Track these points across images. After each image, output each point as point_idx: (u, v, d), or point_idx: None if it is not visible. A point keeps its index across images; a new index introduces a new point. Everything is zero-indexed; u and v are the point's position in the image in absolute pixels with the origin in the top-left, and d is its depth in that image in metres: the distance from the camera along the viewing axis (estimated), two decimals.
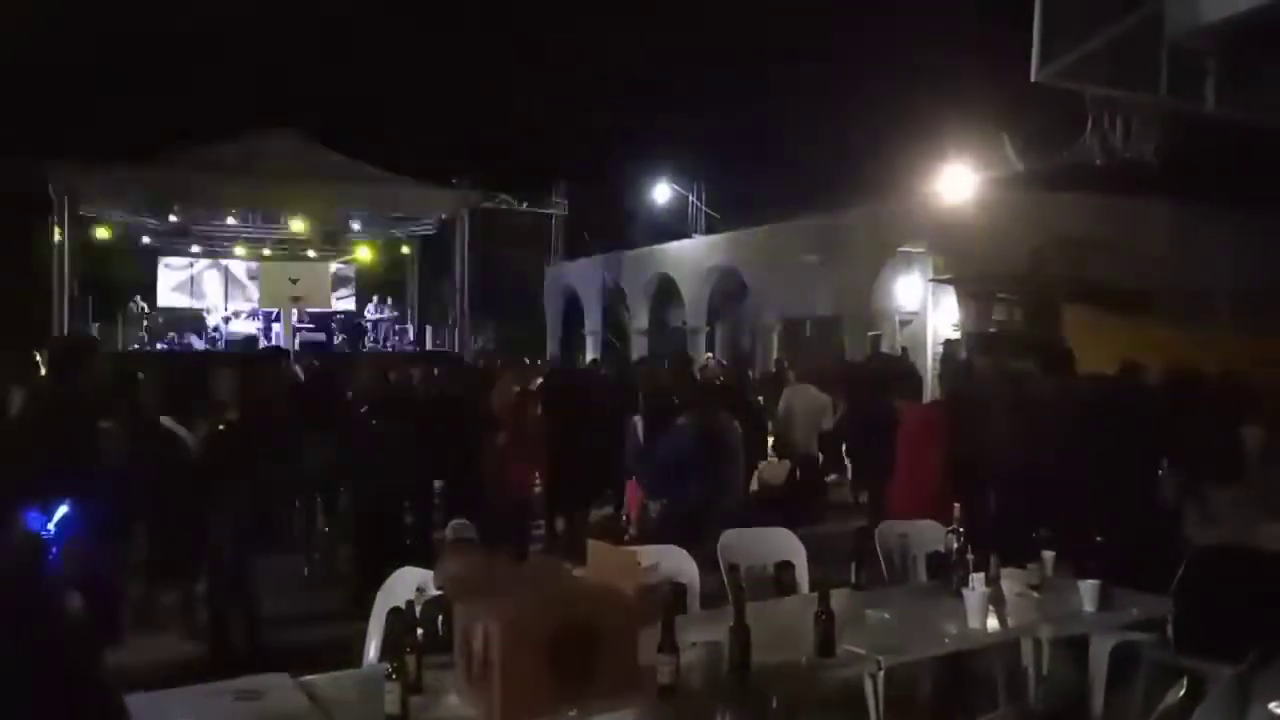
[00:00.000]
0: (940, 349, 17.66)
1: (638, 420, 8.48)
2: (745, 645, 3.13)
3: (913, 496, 5.36)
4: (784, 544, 4.83)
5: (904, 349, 17.52)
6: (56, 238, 18.29)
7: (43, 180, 17.95)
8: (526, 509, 7.85)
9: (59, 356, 5.00)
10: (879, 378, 8.62)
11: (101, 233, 20.31)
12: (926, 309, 19.83)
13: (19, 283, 18.76)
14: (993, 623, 3.78)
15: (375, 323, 22.63)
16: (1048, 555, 4.25)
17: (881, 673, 3.41)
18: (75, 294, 18.37)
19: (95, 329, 19.85)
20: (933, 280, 18.72)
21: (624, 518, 9.22)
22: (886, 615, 3.81)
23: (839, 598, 3.61)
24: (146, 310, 20.93)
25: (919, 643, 3.69)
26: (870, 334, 19.04)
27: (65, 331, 18.21)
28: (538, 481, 8.40)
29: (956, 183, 16.49)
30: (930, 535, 4.69)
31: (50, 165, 17.87)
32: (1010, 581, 4.19)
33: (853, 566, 4.27)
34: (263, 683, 3.10)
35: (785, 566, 4.78)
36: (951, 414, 6.01)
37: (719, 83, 27.09)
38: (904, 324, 20.54)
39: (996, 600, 3.92)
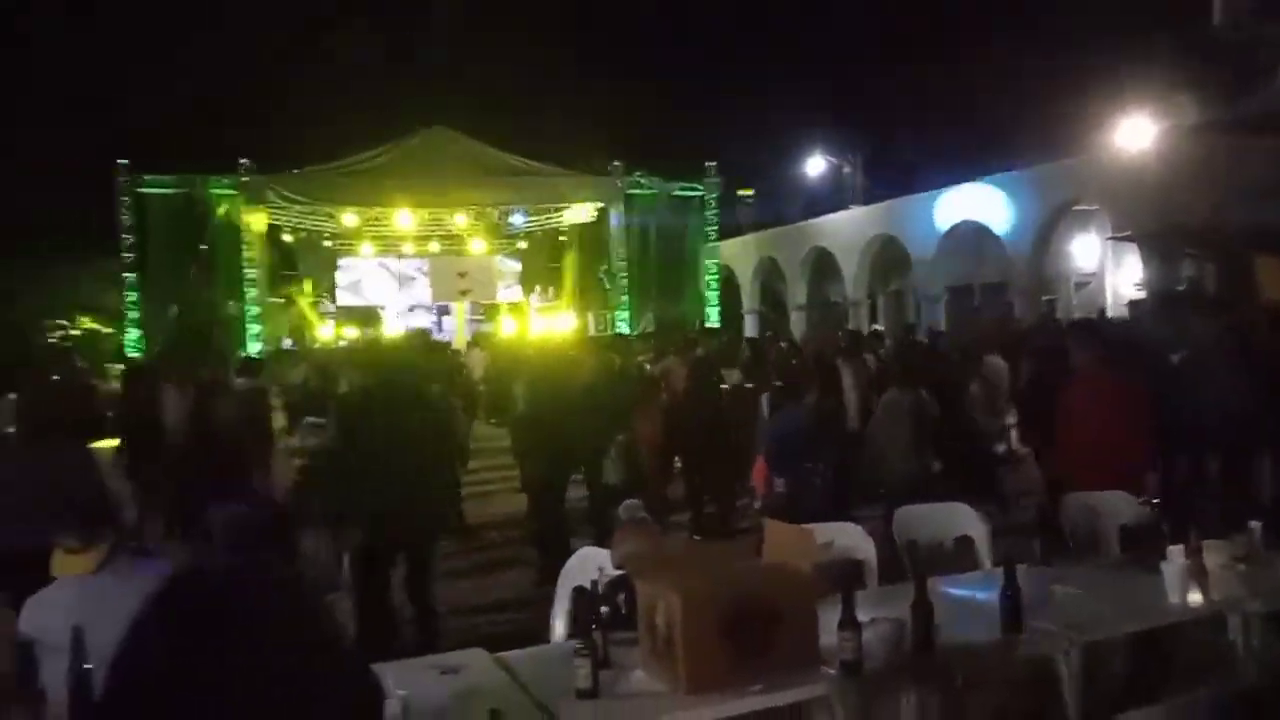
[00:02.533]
0: (1125, 311, 16.67)
1: (764, 399, 8.44)
2: (928, 622, 3.08)
3: (1100, 468, 5.11)
4: (962, 519, 4.71)
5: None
6: (246, 245, 19.67)
7: (232, 191, 19.30)
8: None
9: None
10: (1059, 344, 8.23)
11: (286, 237, 21.71)
12: (1105, 269, 18.77)
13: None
14: (1194, 597, 3.58)
15: (540, 310, 23.28)
16: (1255, 525, 3.98)
17: (1075, 650, 3.29)
18: (269, 296, 19.77)
19: (285, 328, 21.30)
20: (1112, 239, 17.68)
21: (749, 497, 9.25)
22: (1077, 591, 3.67)
23: (1024, 573, 3.50)
24: (331, 309, 22.23)
25: (1113, 619, 3.53)
26: (1044, 298, 18.21)
27: (259, 334, 19.60)
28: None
29: (1134, 135, 15.53)
30: (1122, 507, 4.47)
31: (236, 180, 19.21)
32: (1213, 554, 3.94)
33: (1036, 541, 4.12)
34: (461, 659, 3.28)
35: (964, 541, 4.66)
36: (1144, 380, 5.69)
37: (873, 47, 26.37)
38: (1080, 286, 19.53)
39: (1198, 573, 3.71)
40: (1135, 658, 4.24)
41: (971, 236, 19.91)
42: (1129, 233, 16.28)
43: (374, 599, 5.29)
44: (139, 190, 19.32)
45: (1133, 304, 16.43)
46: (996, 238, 18.93)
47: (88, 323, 22.51)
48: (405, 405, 5.46)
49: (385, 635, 5.23)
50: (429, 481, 5.56)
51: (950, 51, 22.95)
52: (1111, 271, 18.72)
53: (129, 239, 19.51)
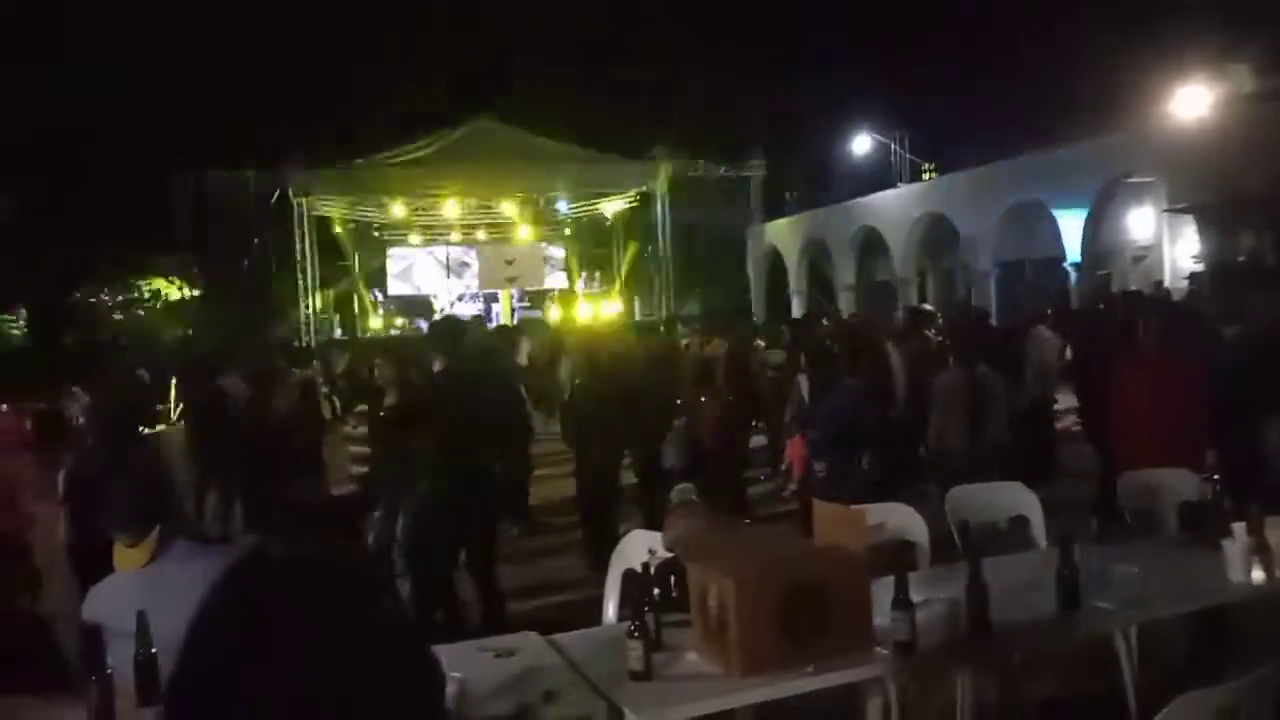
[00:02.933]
0: (1185, 284, 16.28)
1: (802, 379, 8.24)
2: (983, 601, 3.06)
3: (1158, 445, 5.01)
4: (1016, 498, 4.66)
5: (1158, 283, 16.19)
6: (298, 236, 20.01)
7: (283, 184, 19.63)
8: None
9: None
10: (1114, 318, 8.06)
11: (337, 228, 22.03)
12: (1162, 242, 18.34)
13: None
14: (1258, 575, 3.50)
15: (586, 295, 23.37)
16: None
17: (1134, 628, 3.25)
18: (317, 286, 20.08)
19: (337, 319, 21.64)
20: (1168, 210, 17.25)
21: (784, 478, 9.20)
22: (1135, 569, 3.61)
23: (1081, 551, 3.45)
24: (381, 299, 22.52)
25: (1173, 597, 3.47)
26: (1099, 273, 17.85)
27: (312, 324, 19.94)
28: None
29: (1191, 104, 15.12)
30: (1181, 484, 4.39)
31: (288, 170, 19.50)
32: (1276, 531, 3.86)
33: (1093, 519, 4.06)
34: (515, 641, 3.32)
35: (1019, 521, 4.61)
36: (1203, 354, 5.56)
37: (918, 19, 25.97)
38: (1137, 260, 19.11)
39: (1260, 550, 3.63)
40: (1196, 637, 4.17)
41: (1023, 211, 19.57)
42: (1186, 204, 15.88)
43: (442, 581, 5.39)
44: (197, 183, 19.71)
45: (1191, 277, 16.04)
46: (1049, 212, 18.58)
47: (160, 284, 22.95)
48: (489, 387, 5.62)
49: (452, 617, 5.33)
50: (503, 462, 5.72)
51: (1000, 25, 22.51)
52: (1169, 244, 18.28)
53: (184, 233, 19.92)
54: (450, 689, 2.65)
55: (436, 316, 21.13)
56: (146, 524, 3.04)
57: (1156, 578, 3.55)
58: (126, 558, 3.02)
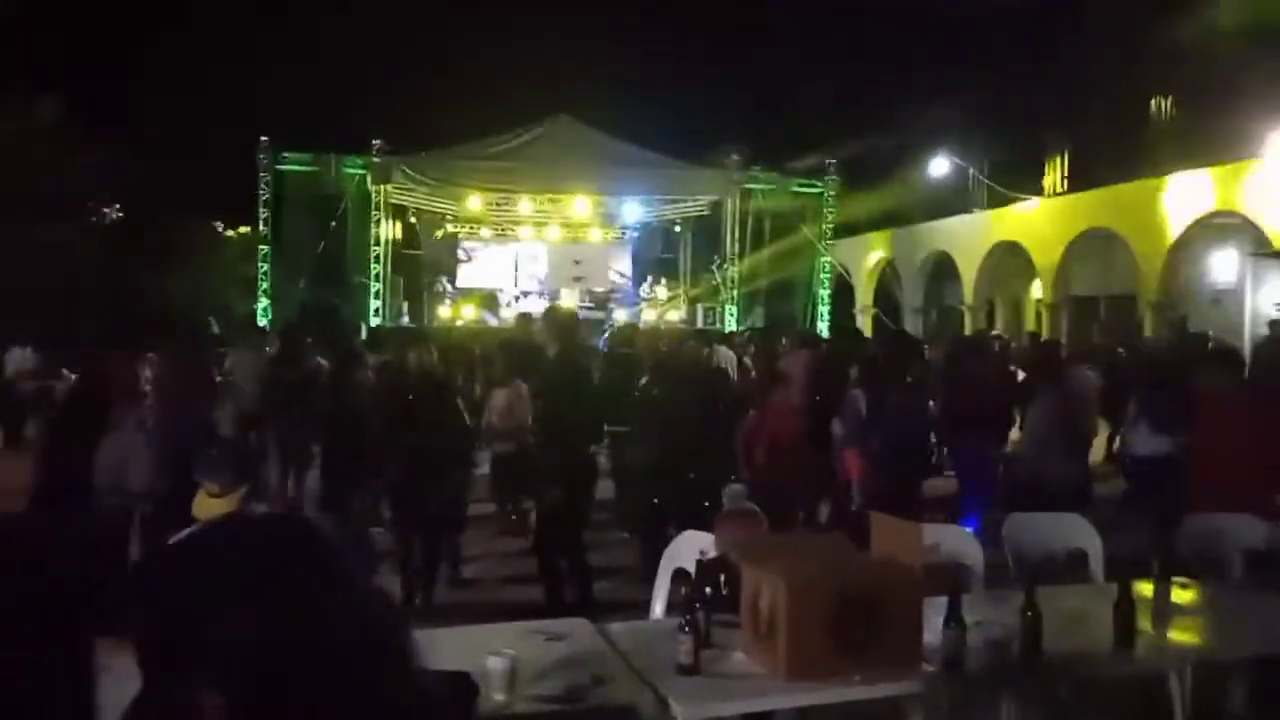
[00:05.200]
0: (1269, 329, 15.80)
1: (859, 394, 8.18)
2: (1036, 628, 3.04)
3: (1227, 489, 4.91)
4: (1075, 530, 4.60)
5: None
6: (374, 222, 20.41)
7: (364, 170, 20.04)
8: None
9: None
10: (1186, 360, 7.93)
11: (411, 218, 22.40)
12: (1245, 286, 17.84)
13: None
14: None
15: (649, 301, 23.41)
16: None
17: (1189, 670, 3.20)
18: (390, 274, 20.47)
19: (405, 307, 21.97)
20: (1254, 255, 16.78)
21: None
22: (1196, 610, 3.55)
23: (1140, 589, 3.41)
24: (450, 289, 22.82)
25: (1233, 642, 3.41)
26: (1175, 314, 17.42)
27: (385, 310, 20.35)
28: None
29: None
30: (1248, 529, 4.30)
31: (367, 160, 19.91)
32: None
33: (1155, 559, 4.00)
34: (566, 626, 3.39)
35: (1077, 554, 4.55)
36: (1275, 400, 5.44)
37: (1000, 42, 25.61)
38: (1215, 303, 18.62)
39: None
40: (1255, 686, 4.08)
41: (1099, 244, 19.20)
42: (1275, 249, 15.45)
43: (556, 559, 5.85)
44: (278, 167, 20.18)
45: (1273, 324, 15.57)
46: (1125, 245, 18.20)
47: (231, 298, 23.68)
48: (588, 374, 6.31)
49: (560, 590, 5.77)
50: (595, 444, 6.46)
51: (1081, 56, 22.09)
52: (1251, 289, 17.78)
53: (265, 213, 20.41)
54: (501, 665, 2.72)
55: (507, 310, 21.37)
56: (240, 478, 3.18)
57: (1217, 621, 3.50)
58: (209, 505, 3.14)
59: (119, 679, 1.03)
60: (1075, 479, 6.00)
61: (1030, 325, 22.17)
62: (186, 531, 1.03)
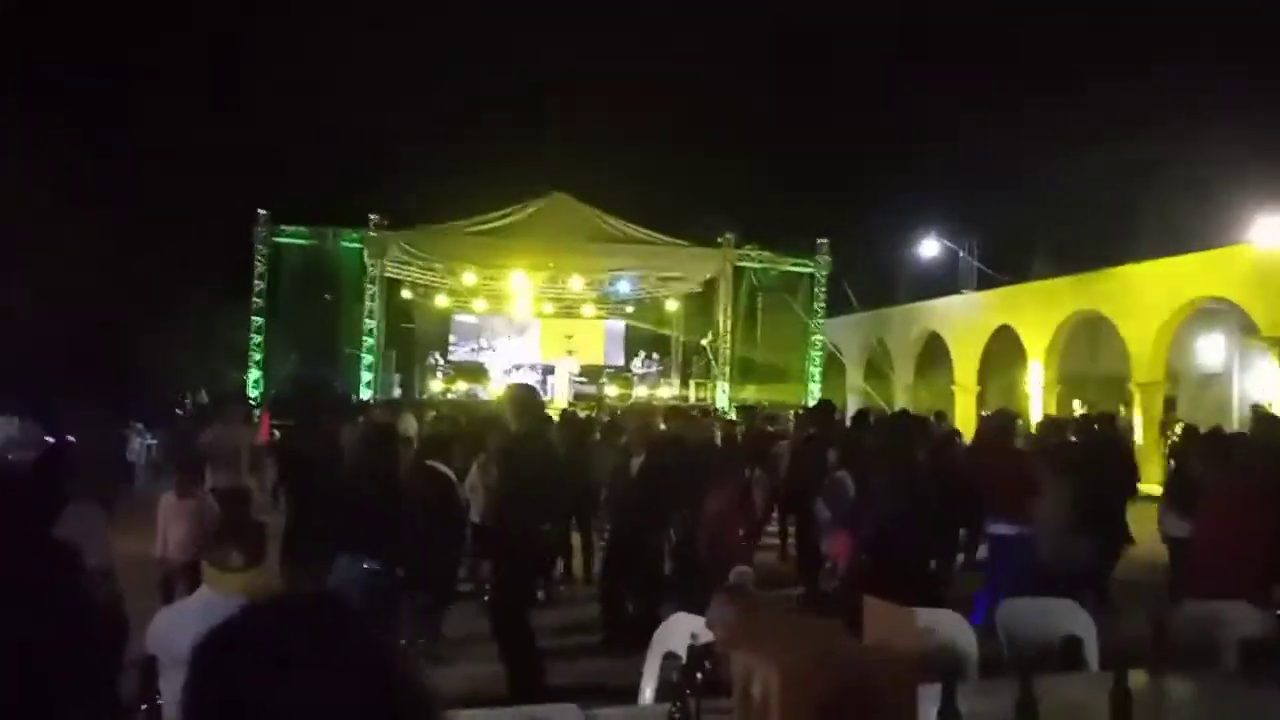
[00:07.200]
0: (1252, 413, 15.90)
1: (845, 475, 8.15)
2: (1032, 718, 2.99)
3: (1223, 576, 4.89)
4: (1071, 617, 4.55)
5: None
6: (369, 296, 20.52)
7: (360, 245, 20.22)
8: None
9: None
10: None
11: (405, 292, 22.55)
12: (1233, 370, 17.99)
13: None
14: None
15: (642, 376, 23.46)
16: None
17: None
18: (383, 347, 20.50)
19: (397, 379, 21.99)
20: (1247, 340, 16.96)
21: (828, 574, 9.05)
22: (1190, 700, 3.51)
23: (1136, 678, 3.36)
24: (441, 363, 22.86)
25: None
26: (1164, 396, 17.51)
27: (376, 382, 20.32)
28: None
29: (1271, 234, 14.95)
30: (1243, 618, 4.26)
31: (364, 234, 20.11)
32: None
33: (1149, 648, 3.95)
34: (554, 713, 3.31)
35: (1071, 641, 4.49)
36: (1271, 486, 5.43)
37: (992, 127, 26.17)
38: (1203, 386, 18.75)
39: None
40: None
41: (1089, 326, 19.38)
42: (1263, 335, 15.61)
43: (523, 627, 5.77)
44: (275, 239, 20.36)
45: (1255, 408, 15.67)
46: (1114, 328, 18.37)
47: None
48: (548, 452, 6.19)
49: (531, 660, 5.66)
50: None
51: (1073, 141, 22.60)
52: (1239, 373, 17.93)
53: (260, 284, 20.52)
54: None
55: (497, 384, 21.41)
56: (261, 553, 3.14)
57: (1212, 711, 3.45)
58: (223, 581, 3.09)
59: None
60: (1084, 570, 5.89)
61: (1020, 405, 22.23)
62: (234, 613, 1.05)
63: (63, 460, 5.79)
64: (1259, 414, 13.60)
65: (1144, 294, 17.42)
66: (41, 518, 4.88)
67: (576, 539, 9.44)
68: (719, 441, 10.94)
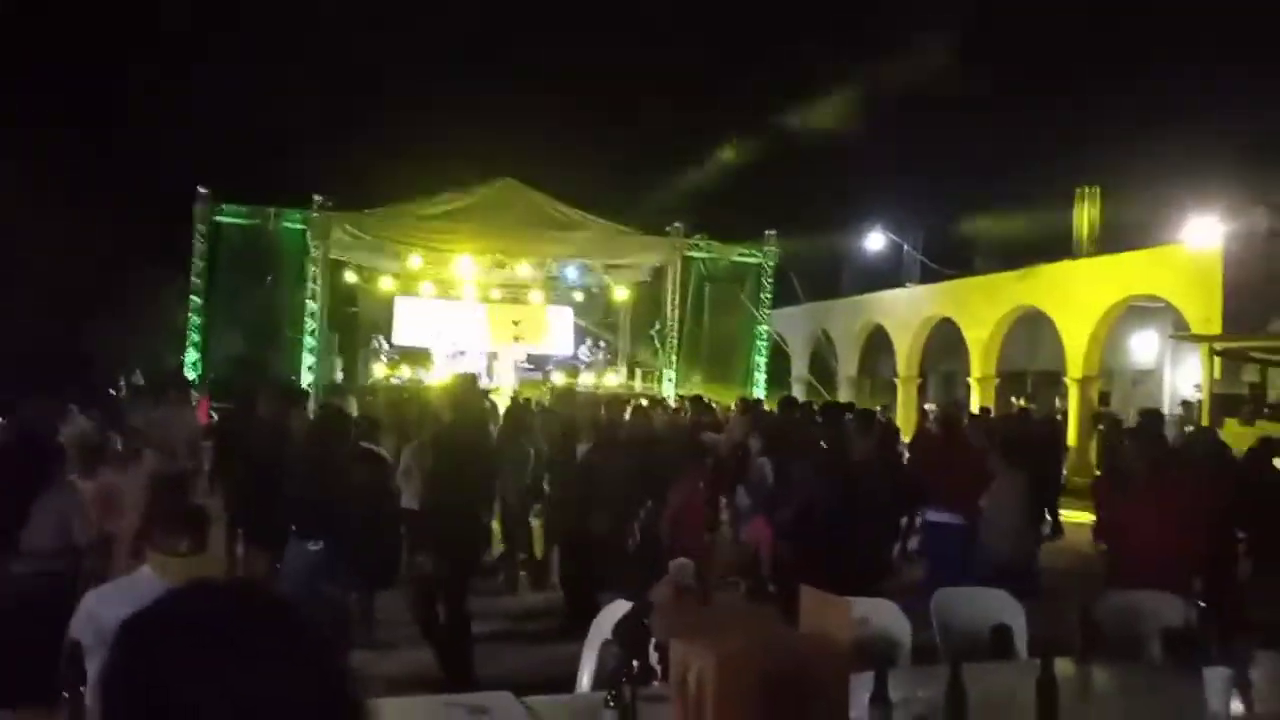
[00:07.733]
0: (1179, 410, 16.39)
1: (765, 462, 8.21)
2: (962, 706, 3.05)
3: (1149, 567, 5.03)
4: (1001, 606, 4.65)
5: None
6: (311, 278, 20.16)
7: (303, 225, 19.86)
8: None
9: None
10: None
11: (349, 274, 22.20)
12: (1164, 367, 18.49)
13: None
14: (1237, 706, 3.50)
15: (589, 364, 23.43)
16: None
17: None
18: (326, 330, 20.17)
19: (339, 363, 21.68)
20: (1174, 337, 17.44)
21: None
22: (1114, 690, 3.61)
23: (1062, 666, 3.45)
24: (385, 347, 22.58)
25: None
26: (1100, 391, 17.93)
27: (318, 366, 20.03)
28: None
29: (1203, 235, 15.36)
30: (1166, 608, 4.39)
31: (307, 215, 19.76)
32: (1267, 664, 3.85)
33: (1078, 637, 4.05)
34: (489, 700, 3.31)
35: (1001, 630, 4.59)
36: (1196, 482, 5.61)
37: (933, 125, 26.54)
38: (1136, 383, 19.24)
39: (1242, 682, 3.62)
40: None
41: (1028, 322, 19.76)
42: (1193, 333, 16.07)
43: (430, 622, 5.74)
44: (215, 218, 19.92)
45: (1185, 404, 16.17)
46: (1052, 324, 18.77)
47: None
48: (480, 442, 6.28)
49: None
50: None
51: (1014, 136, 23.03)
52: (1170, 369, 18.44)
53: (199, 264, 20.07)
54: None
55: (441, 369, 21.22)
56: (204, 540, 3.08)
57: (1136, 701, 3.55)
58: (168, 567, 3.02)
59: None
60: (1024, 560, 6.01)
61: (958, 397, 22.63)
62: (164, 594, 1.01)
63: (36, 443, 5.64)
64: (1188, 410, 14.03)
65: (1081, 291, 17.82)
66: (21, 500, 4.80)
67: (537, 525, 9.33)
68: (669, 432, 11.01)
